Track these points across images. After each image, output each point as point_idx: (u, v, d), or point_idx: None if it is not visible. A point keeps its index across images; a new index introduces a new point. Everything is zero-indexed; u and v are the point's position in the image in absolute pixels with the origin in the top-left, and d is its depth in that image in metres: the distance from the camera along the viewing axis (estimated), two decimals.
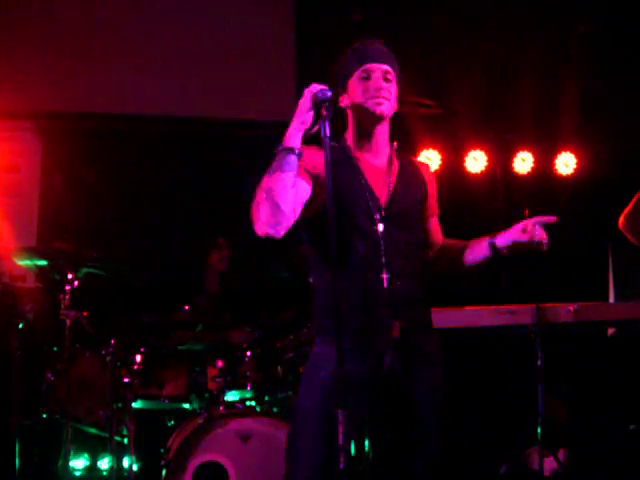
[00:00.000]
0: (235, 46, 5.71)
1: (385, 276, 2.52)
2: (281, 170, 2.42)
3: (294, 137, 2.44)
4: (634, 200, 3.98)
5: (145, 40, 5.58)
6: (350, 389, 2.53)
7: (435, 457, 2.67)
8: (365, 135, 2.68)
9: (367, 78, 2.63)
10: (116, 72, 5.49)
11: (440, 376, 2.71)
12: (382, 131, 2.70)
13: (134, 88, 5.53)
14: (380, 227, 2.50)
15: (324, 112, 2.37)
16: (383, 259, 2.51)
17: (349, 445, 2.31)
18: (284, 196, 2.42)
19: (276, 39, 5.84)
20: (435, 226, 2.90)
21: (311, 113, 2.42)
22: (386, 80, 2.65)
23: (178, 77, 5.60)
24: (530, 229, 2.61)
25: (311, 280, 2.81)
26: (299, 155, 2.45)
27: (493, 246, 2.69)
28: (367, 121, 2.67)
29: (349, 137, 2.74)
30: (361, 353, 2.54)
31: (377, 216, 2.58)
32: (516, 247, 2.65)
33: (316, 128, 2.44)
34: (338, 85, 2.72)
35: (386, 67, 2.65)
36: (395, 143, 2.77)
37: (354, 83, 2.67)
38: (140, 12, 5.63)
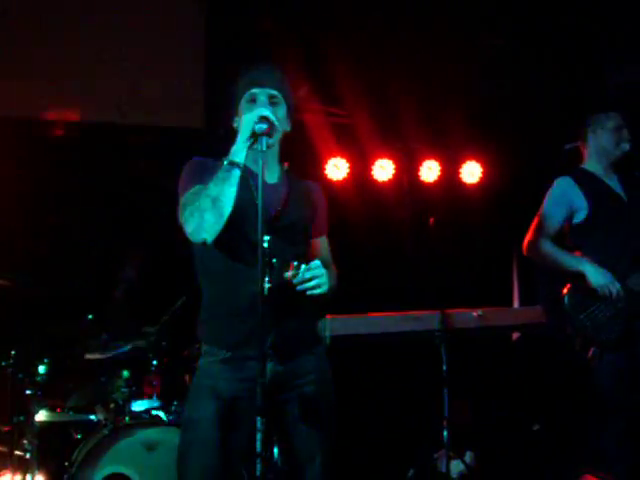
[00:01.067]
0: (144, 53, 5.64)
1: (269, 287, 2.55)
2: (229, 183, 2.56)
3: (240, 152, 2.59)
4: (532, 226, 4.10)
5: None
6: (239, 396, 2.60)
7: (329, 463, 2.76)
8: (256, 154, 2.70)
9: (253, 102, 2.74)
10: (14, 76, 5.34)
11: (328, 381, 2.81)
12: (272, 151, 2.78)
13: (30, 93, 5.39)
14: (267, 239, 2.54)
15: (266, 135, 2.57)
16: (268, 270, 2.55)
17: (264, 452, 2.36)
18: (228, 207, 2.56)
19: (186, 46, 5.79)
20: (322, 245, 2.98)
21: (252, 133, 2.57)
22: (272, 104, 2.74)
23: (83, 83, 5.49)
24: None
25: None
26: (242, 169, 2.59)
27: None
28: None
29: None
30: (244, 361, 2.62)
31: (265, 229, 2.61)
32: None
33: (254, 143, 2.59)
34: (232, 106, 2.83)
35: (271, 91, 2.76)
36: (286, 164, 2.90)
37: (242, 107, 2.77)
38: (40, 10, 5.48)
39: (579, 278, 3.97)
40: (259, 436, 2.36)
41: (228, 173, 2.56)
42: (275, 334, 2.62)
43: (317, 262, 2.62)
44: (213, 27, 5.77)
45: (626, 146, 3.98)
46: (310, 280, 2.58)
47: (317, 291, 2.60)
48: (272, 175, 2.82)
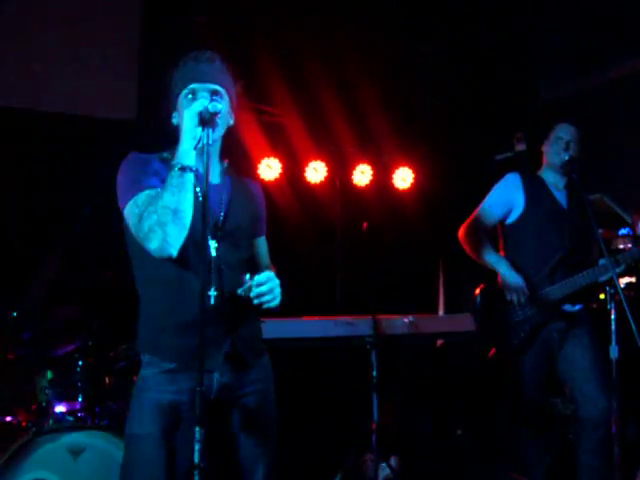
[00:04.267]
0: (79, 41, 5.49)
1: (214, 294, 2.49)
2: (185, 190, 2.42)
3: (189, 154, 2.44)
4: (473, 214, 4.15)
5: None
6: (184, 409, 2.52)
7: (272, 469, 2.72)
8: (197, 152, 2.58)
9: (193, 98, 2.57)
10: None
11: (271, 390, 2.76)
12: (214, 149, 2.65)
13: None
14: (213, 244, 2.46)
15: (217, 121, 2.44)
16: (213, 276, 2.48)
17: (203, 463, 2.28)
18: (189, 216, 2.43)
19: (121, 36, 5.67)
20: (262, 246, 2.90)
21: (199, 127, 2.42)
22: (214, 100, 2.57)
23: (12, 68, 5.31)
24: None
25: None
26: (195, 172, 2.45)
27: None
28: None
29: None
30: (190, 372, 2.50)
31: (211, 234, 2.55)
32: None
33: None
34: (170, 99, 2.68)
35: (213, 86, 2.60)
36: (226, 160, 2.76)
37: (182, 101, 2.61)
38: None
39: (494, 279, 4.06)
40: (197, 447, 2.30)
41: (181, 179, 2.41)
42: (225, 344, 2.56)
43: (270, 274, 2.53)
44: (149, 20, 5.66)
45: (565, 156, 4.01)
46: (265, 294, 2.50)
47: (272, 304, 2.53)
48: (214, 174, 2.67)
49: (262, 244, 2.89)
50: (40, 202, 5.33)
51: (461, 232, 4.18)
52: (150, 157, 2.63)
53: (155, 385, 2.56)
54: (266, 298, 2.50)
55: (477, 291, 4.17)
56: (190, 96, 2.58)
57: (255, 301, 2.50)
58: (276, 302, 2.54)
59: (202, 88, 2.58)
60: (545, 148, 4.18)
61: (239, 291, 2.49)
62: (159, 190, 2.48)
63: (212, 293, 2.49)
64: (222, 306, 2.51)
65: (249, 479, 2.67)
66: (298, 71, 5.98)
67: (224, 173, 2.73)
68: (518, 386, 3.99)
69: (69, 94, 5.41)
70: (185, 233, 2.43)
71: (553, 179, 4.15)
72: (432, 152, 6.55)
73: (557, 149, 4.07)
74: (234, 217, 2.65)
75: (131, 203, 2.48)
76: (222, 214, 2.62)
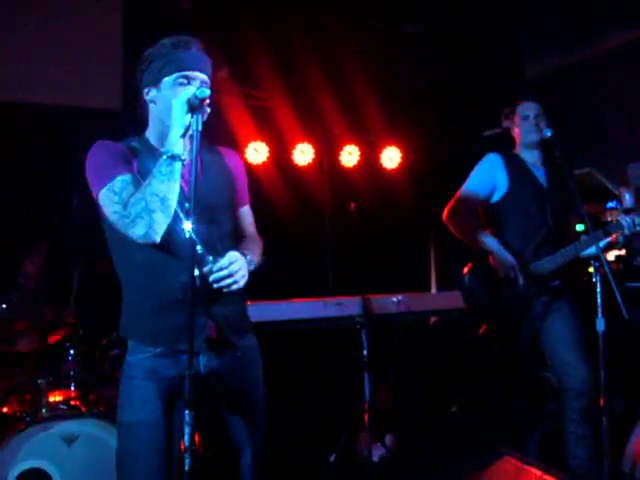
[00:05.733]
0: (62, 31, 5.47)
1: (198, 276, 2.46)
2: (173, 179, 2.43)
3: (178, 143, 2.44)
4: (456, 195, 4.16)
5: None
6: (173, 393, 2.53)
7: (260, 450, 2.73)
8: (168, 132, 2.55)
9: (188, 84, 2.55)
10: None
11: (259, 372, 2.76)
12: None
13: None
14: (188, 223, 2.41)
15: (206, 107, 2.44)
16: (195, 256, 2.43)
17: (193, 446, 2.29)
18: (174, 204, 2.45)
19: (104, 25, 5.64)
20: (245, 216, 2.86)
21: (189, 115, 2.42)
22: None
23: None
24: None
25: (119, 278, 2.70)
26: (183, 161, 2.45)
27: None
28: None
29: (151, 133, 2.69)
30: (176, 355, 2.53)
31: (184, 212, 2.52)
32: None
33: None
34: (145, 72, 2.62)
35: (205, 77, 2.59)
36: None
37: (171, 85, 2.57)
38: None
39: (484, 256, 4.06)
40: (188, 430, 2.31)
41: (171, 167, 2.42)
42: (209, 326, 2.56)
43: (233, 254, 2.51)
44: (131, 6, 5.63)
45: (533, 136, 4.04)
46: (226, 277, 2.48)
47: (234, 287, 2.50)
48: (185, 151, 2.57)
49: (245, 214, 2.85)
50: (28, 194, 5.33)
51: (446, 214, 4.15)
52: (118, 144, 2.62)
53: (141, 372, 2.56)
54: (225, 282, 2.48)
55: (465, 270, 4.18)
56: (184, 81, 2.55)
57: (214, 285, 2.49)
58: (239, 285, 2.51)
59: (194, 76, 2.56)
60: (514, 130, 4.19)
61: (203, 270, 2.48)
62: (135, 176, 2.50)
63: (196, 275, 2.44)
64: (202, 287, 2.49)
65: (238, 460, 2.69)
66: (284, 54, 5.96)
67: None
68: (513, 360, 4.02)
69: (53, 84, 5.40)
70: (169, 220, 2.45)
71: (530, 158, 4.14)
72: (419, 131, 6.55)
73: (528, 128, 4.07)
74: (207, 193, 2.59)
75: (106, 189, 2.47)
76: (193, 191, 2.51)
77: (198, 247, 2.47)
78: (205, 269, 2.48)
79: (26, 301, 4.82)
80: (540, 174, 4.13)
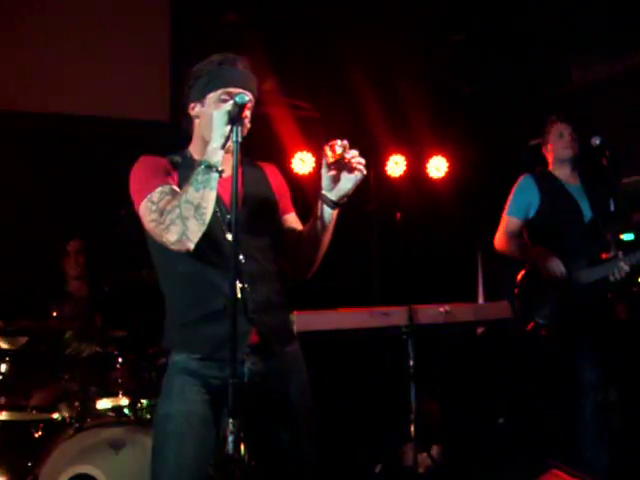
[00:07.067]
0: (111, 45, 5.58)
1: (239, 285, 2.51)
2: (209, 187, 2.46)
3: (217, 153, 2.47)
4: (500, 223, 4.29)
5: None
6: (215, 398, 2.55)
7: (306, 460, 2.70)
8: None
9: (229, 101, 2.55)
10: None
11: (304, 379, 2.74)
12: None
13: None
14: (230, 236, 2.45)
15: (245, 120, 2.50)
16: (236, 268, 2.47)
17: (238, 454, 2.31)
18: (210, 213, 2.48)
19: (152, 37, 5.74)
20: (293, 222, 2.86)
21: (228, 126, 2.45)
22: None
23: (47, 73, 5.41)
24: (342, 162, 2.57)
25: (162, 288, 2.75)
26: (221, 172, 2.48)
27: (323, 197, 2.65)
28: None
29: (194, 148, 2.74)
30: (219, 362, 2.54)
31: (226, 224, 2.57)
32: (339, 180, 2.61)
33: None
34: (192, 88, 2.67)
35: (250, 96, 2.61)
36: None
37: (214, 101, 2.62)
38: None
39: (535, 267, 4.20)
40: (231, 438, 2.32)
41: (207, 176, 2.45)
42: (250, 334, 2.58)
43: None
44: (178, 20, 5.71)
45: (568, 152, 4.28)
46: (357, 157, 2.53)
47: (359, 176, 2.57)
48: (227, 166, 2.60)
49: (292, 219, 2.86)
50: (75, 205, 5.43)
51: (497, 244, 4.42)
52: (160, 159, 2.68)
53: (183, 370, 2.59)
54: (359, 159, 2.54)
55: (519, 277, 4.28)
56: (228, 98, 2.58)
57: (354, 160, 2.53)
58: (363, 172, 2.57)
59: (238, 93, 2.56)
60: (546, 147, 4.42)
61: (330, 153, 2.53)
62: (173, 187, 2.55)
63: (237, 284, 2.50)
64: (247, 297, 2.52)
65: (285, 468, 2.66)
66: (330, 64, 5.98)
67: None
68: (578, 370, 4.05)
69: (102, 97, 5.50)
70: (204, 229, 2.47)
71: (564, 174, 4.34)
72: (465, 140, 6.50)
73: (564, 144, 4.30)
74: (248, 206, 2.64)
75: (146, 200, 2.53)
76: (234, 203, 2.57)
77: (240, 257, 2.52)
78: (338, 150, 2.52)
79: (77, 310, 4.90)
80: (574, 189, 4.25)
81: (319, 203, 2.65)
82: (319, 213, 2.66)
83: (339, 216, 2.72)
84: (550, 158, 4.41)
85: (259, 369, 2.62)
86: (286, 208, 2.86)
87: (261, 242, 2.68)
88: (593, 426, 3.97)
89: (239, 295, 2.51)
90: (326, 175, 2.60)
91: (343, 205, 2.66)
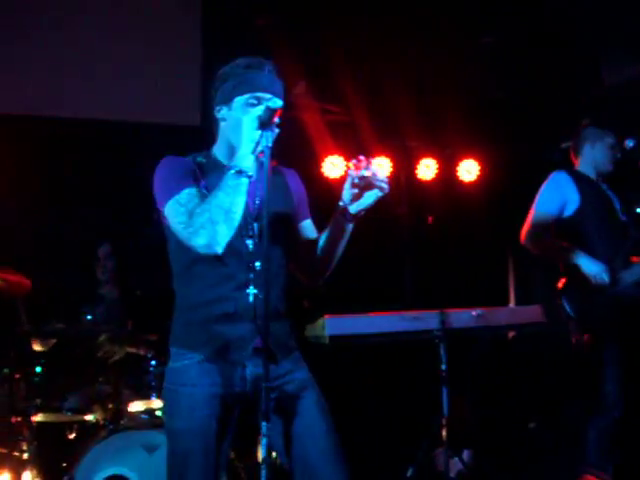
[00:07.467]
0: (141, 49, 5.62)
1: (252, 291, 2.53)
2: (239, 192, 2.48)
3: (247, 158, 2.49)
4: (529, 217, 4.22)
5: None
6: (221, 401, 2.56)
7: (329, 438, 2.65)
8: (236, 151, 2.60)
9: (257, 105, 2.58)
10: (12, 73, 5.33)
11: (310, 378, 2.72)
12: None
13: (26, 89, 5.38)
14: (250, 242, 2.48)
15: (275, 127, 2.47)
16: (251, 274, 2.51)
17: (270, 457, 2.33)
18: (239, 218, 2.49)
19: (183, 43, 5.78)
20: (307, 229, 2.85)
21: (259, 131, 2.47)
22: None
23: (78, 78, 5.47)
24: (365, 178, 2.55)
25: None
26: (251, 177, 2.50)
27: (341, 209, 2.61)
28: None
29: (219, 150, 2.74)
30: (222, 364, 2.56)
31: (247, 231, 2.58)
32: (361, 196, 2.58)
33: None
34: (219, 90, 2.68)
35: (279, 101, 2.63)
36: (260, 154, 2.70)
37: (242, 105, 2.62)
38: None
39: (572, 270, 4.09)
40: (264, 441, 2.33)
41: (237, 181, 2.46)
42: (255, 340, 2.57)
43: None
44: (209, 24, 5.74)
45: (611, 166, 4.27)
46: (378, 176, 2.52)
47: (380, 193, 2.55)
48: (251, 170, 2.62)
49: (307, 227, 2.85)
50: (107, 209, 5.48)
51: (523, 237, 4.28)
52: (185, 159, 2.68)
53: (186, 379, 2.58)
54: (382, 177, 2.53)
55: (560, 285, 4.20)
56: (255, 102, 2.59)
57: (374, 179, 2.51)
58: (382, 192, 2.56)
59: (266, 98, 2.60)
60: (582, 149, 4.35)
61: (352, 172, 2.52)
62: (201, 189, 2.56)
63: (250, 291, 2.54)
64: (258, 304, 2.52)
65: (305, 455, 2.62)
66: (361, 67, 5.99)
67: (257, 168, 2.66)
68: (614, 375, 4.02)
69: (133, 102, 5.55)
70: (232, 234, 2.48)
71: (595, 177, 4.31)
72: (496, 142, 6.47)
73: (610, 157, 4.28)
74: (270, 213, 2.58)
75: (173, 201, 2.54)
76: (257, 210, 2.63)
77: (256, 263, 2.55)
78: (363, 169, 2.52)
79: (109, 313, 4.94)
80: (607, 190, 4.29)
81: (336, 214, 2.64)
82: (335, 224, 2.65)
83: (370, 221, 2.73)
84: (578, 160, 4.36)
85: (260, 370, 2.51)
86: (303, 215, 2.86)
87: (277, 249, 2.67)
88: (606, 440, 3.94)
89: (251, 300, 2.54)
90: (348, 189, 2.59)
91: (360, 219, 2.65)
